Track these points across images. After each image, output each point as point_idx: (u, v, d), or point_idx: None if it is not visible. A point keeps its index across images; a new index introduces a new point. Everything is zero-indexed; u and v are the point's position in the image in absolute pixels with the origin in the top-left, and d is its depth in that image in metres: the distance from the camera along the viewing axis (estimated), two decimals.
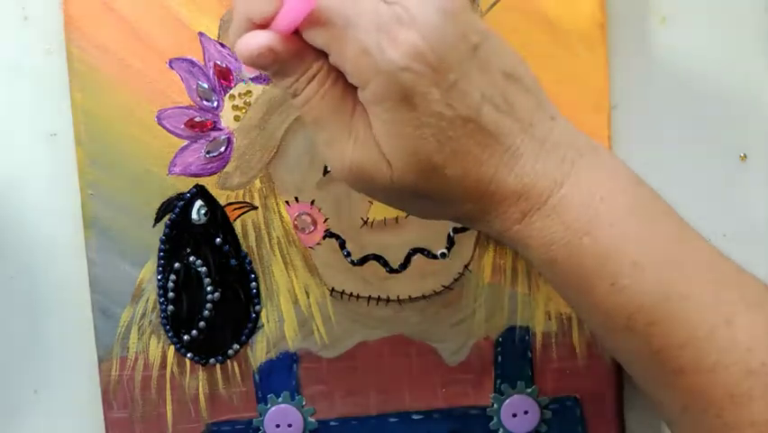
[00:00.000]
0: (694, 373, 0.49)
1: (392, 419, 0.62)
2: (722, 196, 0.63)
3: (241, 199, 0.60)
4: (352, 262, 0.61)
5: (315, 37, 0.47)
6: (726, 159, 0.63)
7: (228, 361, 0.61)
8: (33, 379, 0.62)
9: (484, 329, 0.62)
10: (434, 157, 0.48)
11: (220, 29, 0.59)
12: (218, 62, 0.59)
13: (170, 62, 0.59)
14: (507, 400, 0.62)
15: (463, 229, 0.61)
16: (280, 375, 0.61)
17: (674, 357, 0.50)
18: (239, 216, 0.60)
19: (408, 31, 0.46)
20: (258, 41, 0.47)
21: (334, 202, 0.61)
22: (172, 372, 0.61)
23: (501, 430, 0.62)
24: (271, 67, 0.48)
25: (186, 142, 0.60)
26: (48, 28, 0.60)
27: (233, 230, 0.60)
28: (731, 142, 0.63)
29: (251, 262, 0.61)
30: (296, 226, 0.61)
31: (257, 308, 0.61)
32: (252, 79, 0.60)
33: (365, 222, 0.61)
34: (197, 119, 0.60)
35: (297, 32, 0.47)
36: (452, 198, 0.50)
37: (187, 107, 0.59)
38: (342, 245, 0.61)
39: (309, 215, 0.61)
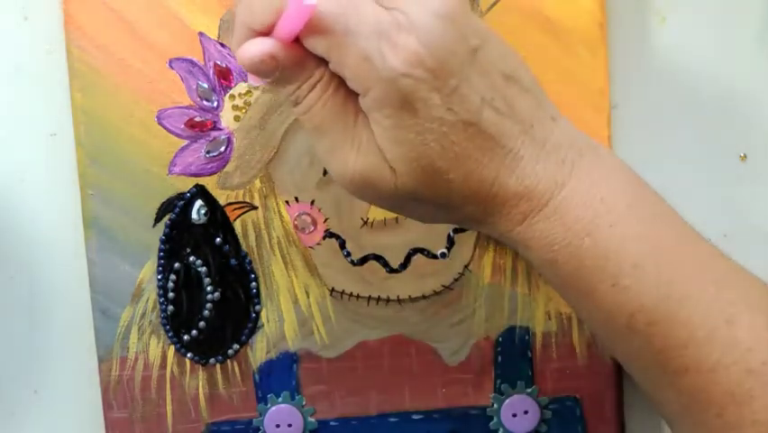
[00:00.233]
0: (695, 373, 0.50)
1: (392, 419, 0.62)
2: (722, 196, 0.63)
3: (241, 199, 0.60)
4: (352, 262, 0.61)
5: (316, 44, 0.47)
6: (726, 159, 0.63)
7: (228, 361, 0.61)
8: (33, 379, 0.62)
9: (484, 329, 0.62)
10: (437, 162, 0.48)
11: (220, 29, 0.59)
12: (218, 62, 0.59)
13: (170, 62, 0.59)
14: (507, 400, 0.62)
15: (463, 229, 0.61)
16: (280, 375, 0.61)
17: (675, 357, 0.50)
18: (239, 215, 0.60)
19: (408, 37, 0.46)
20: (259, 48, 0.47)
21: (334, 202, 0.61)
22: (172, 372, 0.61)
23: (501, 430, 0.62)
24: (273, 74, 0.48)
25: (186, 142, 0.60)
26: (48, 28, 0.60)
27: (233, 230, 0.60)
28: (731, 142, 0.63)
29: (251, 262, 0.61)
30: (296, 226, 0.61)
31: (257, 308, 0.61)
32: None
33: (365, 222, 0.61)
34: (197, 119, 0.60)
35: (298, 40, 0.47)
36: (455, 202, 0.50)
37: (187, 107, 0.59)
38: (342, 245, 0.61)
39: (309, 215, 0.61)
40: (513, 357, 0.62)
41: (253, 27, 0.48)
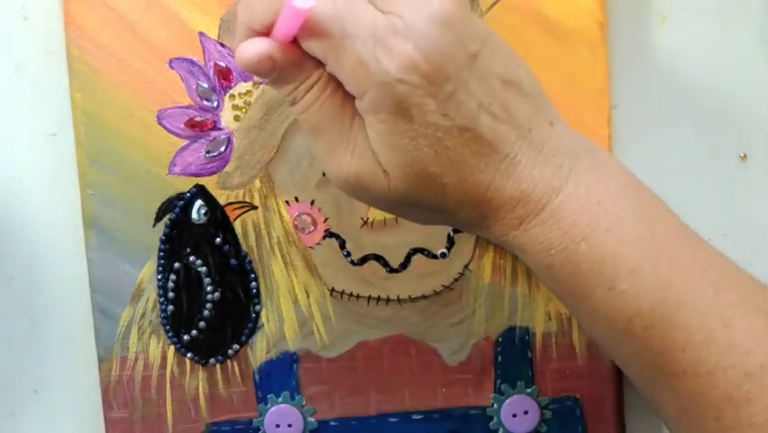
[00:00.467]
0: (693, 376, 0.50)
1: (392, 419, 0.62)
2: (722, 196, 0.63)
3: (241, 199, 0.60)
4: (352, 262, 0.61)
5: (313, 46, 0.47)
6: (726, 159, 0.63)
7: (228, 361, 0.61)
8: (33, 379, 0.62)
9: (484, 329, 0.62)
10: (431, 167, 0.48)
11: (220, 28, 0.59)
12: (218, 62, 0.59)
13: (170, 62, 0.59)
14: (507, 400, 0.62)
15: None
16: (280, 375, 0.61)
17: (673, 360, 0.50)
18: (239, 215, 0.60)
19: (404, 42, 0.46)
20: (256, 48, 0.47)
21: (334, 202, 0.61)
22: (172, 372, 0.61)
23: (501, 430, 0.62)
24: (270, 74, 0.48)
25: (186, 142, 0.60)
26: (48, 28, 0.60)
27: (233, 230, 0.60)
28: (731, 142, 0.63)
29: (251, 262, 0.61)
30: (296, 226, 0.61)
31: (257, 308, 0.61)
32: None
33: (365, 222, 0.61)
34: (197, 119, 0.60)
35: (296, 41, 0.47)
36: (449, 206, 0.51)
37: (187, 107, 0.60)
38: (342, 245, 0.61)
39: (309, 215, 0.61)
40: (513, 357, 0.62)
41: (253, 27, 0.48)
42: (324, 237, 0.61)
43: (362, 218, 0.61)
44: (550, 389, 0.62)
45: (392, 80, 0.46)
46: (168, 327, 0.61)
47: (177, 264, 0.60)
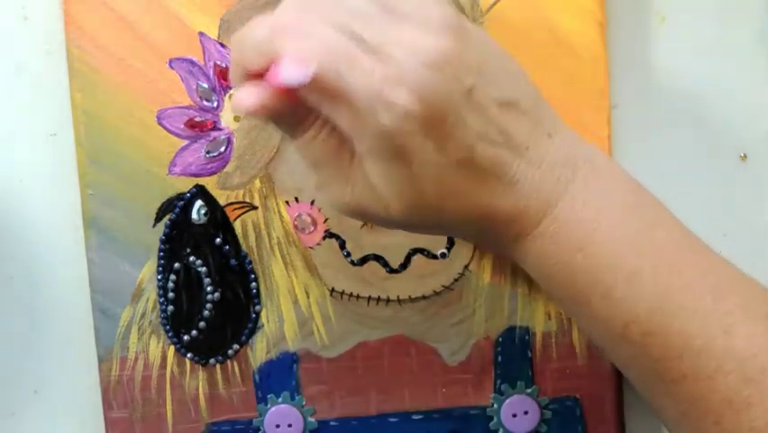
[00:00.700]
0: (692, 381, 0.50)
1: (392, 419, 0.62)
2: (722, 196, 0.63)
3: (241, 199, 0.60)
4: (352, 263, 0.61)
5: (308, 97, 0.47)
6: (726, 159, 0.63)
7: (228, 361, 0.61)
8: (33, 379, 0.62)
9: (484, 329, 0.62)
10: (429, 200, 0.49)
11: (220, 29, 0.59)
12: (218, 62, 0.59)
13: (170, 62, 0.59)
14: (507, 400, 0.62)
15: None
16: (280, 375, 0.61)
17: (672, 366, 0.50)
18: (239, 216, 0.60)
19: (400, 92, 0.45)
20: (250, 100, 0.47)
21: None
22: (172, 372, 0.61)
23: (501, 430, 0.62)
24: (267, 119, 0.49)
25: (186, 142, 0.60)
26: (48, 28, 0.60)
27: (233, 230, 0.60)
28: (731, 142, 0.63)
29: (251, 263, 0.61)
30: (296, 226, 0.61)
31: (257, 308, 0.61)
32: None
33: (365, 222, 0.61)
34: (197, 119, 0.60)
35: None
36: (447, 225, 0.51)
37: (187, 107, 0.59)
38: (343, 245, 0.61)
39: (309, 215, 0.61)
40: (513, 357, 0.62)
41: (245, 68, 0.47)
42: (324, 237, 0.61)
43: None
44: (550, 389, 0.62)
45: (389, 131, 0.46)
46: (168, 327, 0.61)
47: (177, 264, 0.60)
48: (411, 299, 0.61)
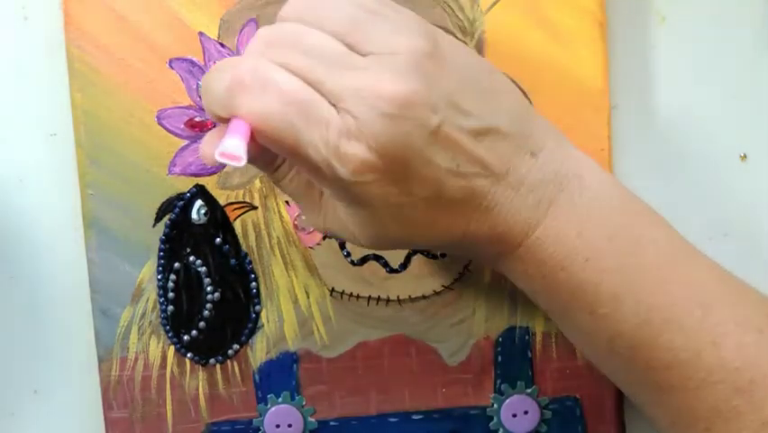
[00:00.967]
0: (681, 391, 0.50)
1: (392, 419, 0.62)
2: (722, 196, 0.63)
3: (241, 199, 0.60)
4: (352, 262, 0.61)
5: (270, 149, 0.47)
6: (727, 159, 0.63)
7: (228, 361, 0.61)
8: (33, 379, 0.62)
9: (484, 329, 0.62)
10: (396, 234, 0.49)
11: (220, 29, 0.59)
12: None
13: (170, 62, 0.59)
14: (507, 400, 0.62)
15: None
16: (280, 375, 0.61)
17: (659, 377, 0.50)
18: (239, 215, 0.60)
19: (357, 145, 0.45)
20: (211, 151, 0.46)
21: None
22: (172, 372, 0.61)
23: (501, 430, 0.62)
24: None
25: (186, 142, 0.60)
26: (48, 28, 0.60)
27: (232, 230, 0.60)
28: (731, 142, 0.63)
29: (251, 262, 0.61)
30: (296, 226, 0.61)
31: (257, 308, 0.61)
32: None
33: None
34: (197, 119, 0.60)
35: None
36: (424, 247, 0.54)
37: (187, 107, 0.59)
38: (342, 245, 0.61)
39: None
40: (513, 357, 0.62)
41: (209, 111, 0.47)
42: (324, 237, 0.61)
43: None
44: (550, 389, 0.62)
45: (348, 184, 0.46)
46: (168, 327, 0.61)
47: (177, 264, 0.60)
48: (411, 299, 0.61)
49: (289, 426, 0.61)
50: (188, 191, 0.60)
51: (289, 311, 0.61)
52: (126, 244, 0.60)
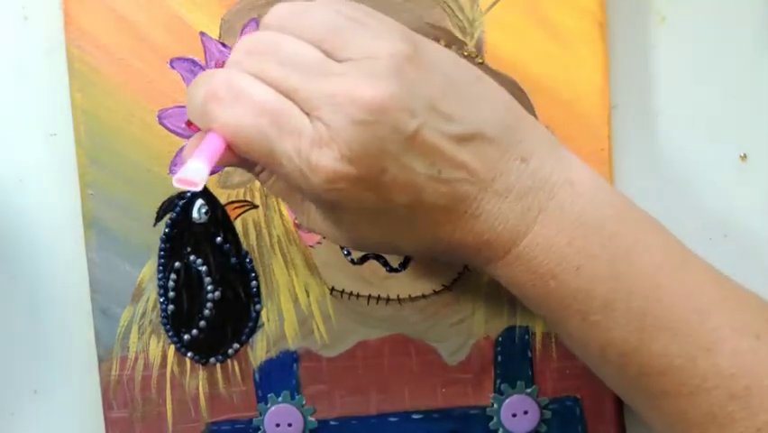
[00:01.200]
0: (675, 397, 0.50)
1: (392, 419, 0.62)
2: (722, 196, 0.63)
3: (241, 198, 0.60)
4: (353, 261, 0.61)
5: (247, 158, 0.47)
6: (727, 159, 0.63)
7: (228, 360, 0.61)
8: (33, 379, 0.62)
9: (484, 329, 0.62)
10: (377, 238, 0.49)
11: (221, 28, 0.59)
12: (220, 62, 0.59)
13: (171, 62, 0.59)
14: (507, 400, 0.62)
15: None
16: (280, 374, 0.61)
17: (653, 383, 0.50)
18: (239, 214, 0.60)
19: (329, 153, 0.45)
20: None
21: None
22: (172, 371, 0.61)
23: (501, 430, 0.62)
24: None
25: (186, 142, 0.60)
26: (48, 28, 0.60)
27: (233, 229, 0.60)
28: (731, 142, 0.63)
29: (251, 261, 0.61)
30: (296, 225, 0.61)
31: (257, 307, 0.61)
32: None
33: None
34: None
35: None
36: (410, 253, 0.54)
37: None
38: None
39: None
40: (513, 357, 0.62)
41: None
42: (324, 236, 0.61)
43: None
44: (550, 388, 0.62)
45: (321, 191, 0.46)
46: (168, 326, 0.61)
47: (177, 264, 0.60)
48: (411, 299, 0.61)
49: (289, 425, 0.61)
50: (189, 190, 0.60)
51: (289, 310, 0.61)
52: (126, 243, 0.60)
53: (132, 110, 0.59)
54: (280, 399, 0.61)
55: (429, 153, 0.47)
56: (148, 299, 0.60)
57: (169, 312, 0.60)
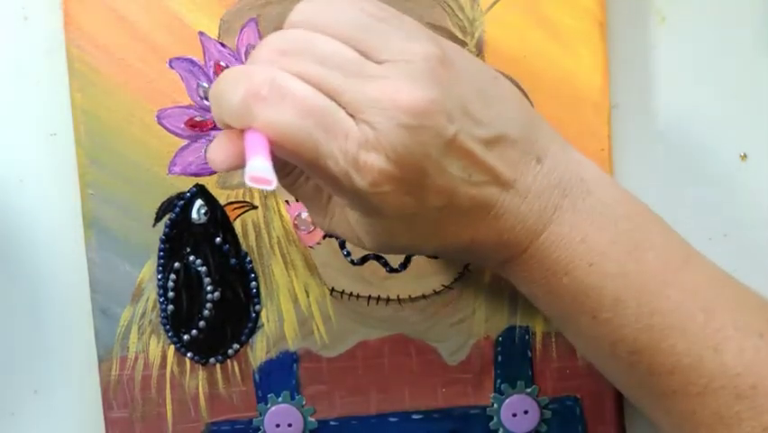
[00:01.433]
0: (682, 396, 0.50)
1: (392, 419, 0.62)
2: (722, 196, 0.63)
3: (241, 199, 0.60)
4: (352, 262, 0.61)
5: (288, 160, 0.46)
6: (727, 159, 0.63)
7: (228, 360, 0.61)
8: (33, 379, 0.62)
9: (484, 329, 0.62)
10: (403, 241, 0.49)
11: (220, 28, 0.59)
12: (219, 62, 0.59)
13: (171, 62, 0.59)
14: (507, 400, 0.62)
15: None
16: (280, 375, 0.61)
17: (661, 382, 0.50)
18: (239, 215, 0.60)
19: (377, 157, 0.45)
20: (221, 158, 0.46)
21: None
22: (172, 371, 0.61)
23: (501, 430, 0.62)
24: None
25: (186, 142, 0.60)
26: (48, 28, 0.60)
27: (233, 229, 0.60)
28: (731, 142, 0.63)
29: (251, 262, 0.61)
30: (296, 226, 0.61)
31: (257, 307, 0.61)
32: None
33: None
34: (198, 119, 0.60)
35: None
36: (428, 254, 0.54)
37: (187, 107, 0.60)
38: (342, 245, 0.61)
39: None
40: (513, 357, 0.62)
41: (224, 122, 0.46)
42: (324, 237, 0.61)
43: None
44: (550, 388, 0.62)
45: (366, 194, 0.45)
46: (168, 326, 0.61)
47: (177, 264, 0.60)
48: (411, 299, 0.61)
49: (289, 425, 0.61)
50: (188, 191, 0.60)
51: (289, 311, 0.61)
52: (126, 243, 0.60)
53: (132, 110, 0.59)
54: (280, 399, 0.61)
55: (463, 157, 0.47)
56: (148, 300, 0.60)
57: (168, 312, 0.60)
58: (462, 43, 0.60)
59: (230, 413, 0.61)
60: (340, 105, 0.45)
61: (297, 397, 0.61)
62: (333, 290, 0.61)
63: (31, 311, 0.62)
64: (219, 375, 0.61)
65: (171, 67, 0.59)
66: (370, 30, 0.46)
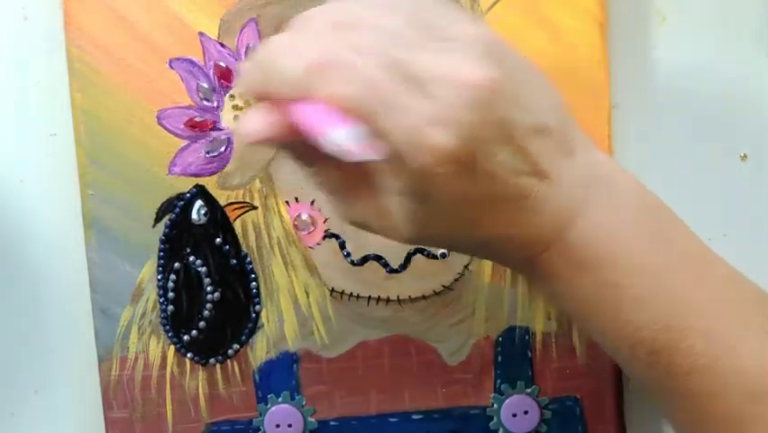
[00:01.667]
0: (698, 397, 0.49)
1: (392, 419, 0.62)
2: (722, 196, 0.63)
3: (241, 199, 0.60)
4: (352, 263, 0.61)
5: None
6: (727, 159, 0.63)
7: (228, 361, 0.61)
8: (33, 379, 0.62)
9: (484, 329, 0.62)
10: (441, 229, 0.48)
11: (220, 29, 0.59)
12: (218, 62, 0.59)
13: (170, 62, 0.59)
14: (507, 400, 0.62)
15: None
16: (280, 375, 0.61)
17: (678, 382, 0.50)
18: (239, 216, 0.60)
19: (444, 134, 0.43)
20: (258, 128, 0.45)
21: None
22: (172, 372, 0.61)
23: (501, 430, 0.62)
24: (271, 147, 0.46)
25: (186, 143, 0.60)
26: (48, 28, 0.60)
27: (232, 230, 0.60)
28: (731, 142, 0.63)
29: (251, 262, 0.61)
30: (296, 226, 0.61)
31: (257, 307, 0.61)
32: None
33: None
34: (197, 119, 0.60)
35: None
36: (455, 248, 0.53)
37: (187, 107, 0.59)
38: (342, 245, 0.61)
39: (309, 215, 0.61)
40: (513, 357, 0.62)
41: (267, 94, 0.45)
42: (324, 237, 0.61)
43: None
44: (550, 389, 0.62)
45: (425, 173, 0.44)
46: (168, 326, 0.61)
47: (177, 264, 0.60)
48: (411, 299, 0.61)
49: (289, 426, 0.61)
50: (188, 191, 0.60)
51: (289, 311, 0.61)
52: (126, 244, 0.60)
53: (132, 110, 0.59)
54: (280, 399, 0.61)
55: (510, 143, 0.46)
56: (148, 300, 0.60)
57: (168, 313, 0.60)
58: None
59: (230, 413, 0.61)
60: (405, 79, 0.44)
61: (296, 397, 0.61)
62: (333, 290, 0.61)
63: (31, 311, 0.62)
64: (219, 376, 0.61)
65: (171, 67, 0.59)
66: (425, 6, 0.45)
